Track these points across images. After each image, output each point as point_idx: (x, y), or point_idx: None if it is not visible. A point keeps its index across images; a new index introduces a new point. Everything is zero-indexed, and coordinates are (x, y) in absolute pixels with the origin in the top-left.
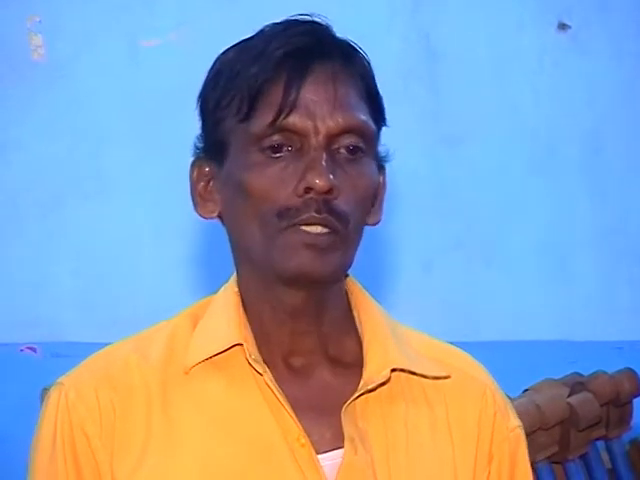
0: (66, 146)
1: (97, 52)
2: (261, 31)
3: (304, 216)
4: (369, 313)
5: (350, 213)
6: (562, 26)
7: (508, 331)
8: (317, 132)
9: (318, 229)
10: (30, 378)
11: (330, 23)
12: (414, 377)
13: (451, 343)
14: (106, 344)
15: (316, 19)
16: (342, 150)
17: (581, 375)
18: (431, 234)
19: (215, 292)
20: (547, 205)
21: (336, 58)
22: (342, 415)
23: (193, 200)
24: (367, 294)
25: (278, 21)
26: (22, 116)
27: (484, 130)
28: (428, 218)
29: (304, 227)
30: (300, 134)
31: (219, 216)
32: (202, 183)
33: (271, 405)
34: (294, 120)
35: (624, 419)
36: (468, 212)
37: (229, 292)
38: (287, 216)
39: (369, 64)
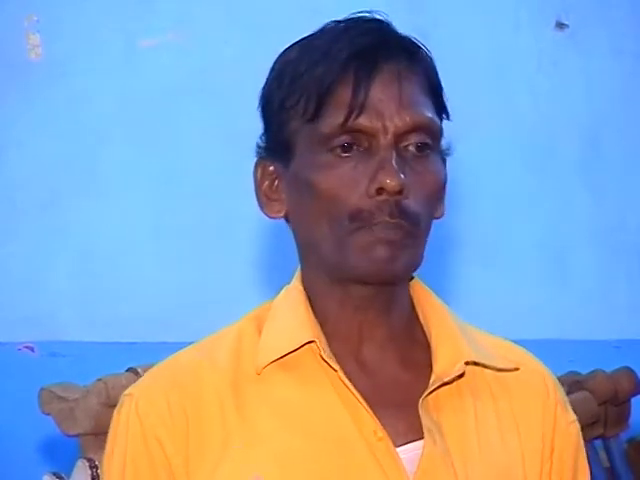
0: (64, 145)
1: (95, 52)
2: (322, 30)
3: (377, 220)
4: (435, 310)
5: (421, 212)
6: (560, 25)
7: (505, 330)
8: (386, 132)
9: (391, 233)
10: (28, 377)
11: (390, 20)
12: (478, 371)
13: None
14: (104, 343)
15: (377, 16)
16: (410, 148)
17: (579, 374)
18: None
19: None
20: (545, 204)
21: (401, 56)
22: (420, 407)
23: (259, 200)
24: (432, 293)
25: (339, 19)
26: (19, 115)
27: (482, 129)
28: None
29: (376, 227)
30: (369, 134)
31: (285, 216)
32: (267, 182)
33: (345, 401)
34: (364, 121)
35: (622, 418)
36: (466, 211)
37: (294, 291)
38: (359, 219)
39: (432, 59)
